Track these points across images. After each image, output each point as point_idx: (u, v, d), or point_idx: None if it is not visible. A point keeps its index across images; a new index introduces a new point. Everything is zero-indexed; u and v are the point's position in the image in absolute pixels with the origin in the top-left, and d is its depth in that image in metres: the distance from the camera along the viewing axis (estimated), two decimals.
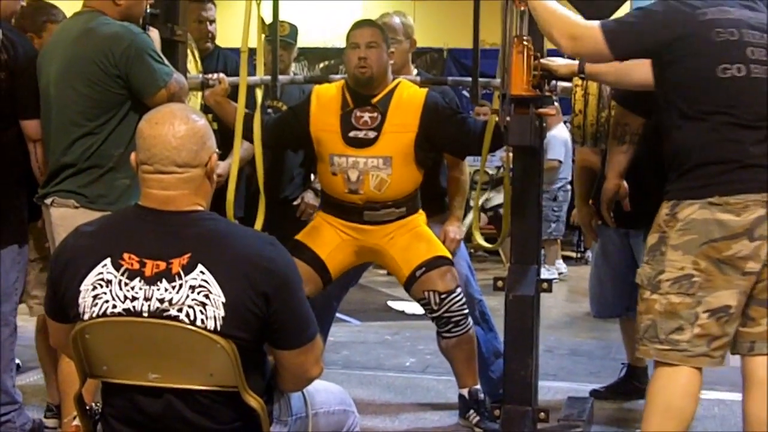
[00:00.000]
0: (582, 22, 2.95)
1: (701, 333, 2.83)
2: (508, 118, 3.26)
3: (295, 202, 4.52)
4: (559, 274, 8.30)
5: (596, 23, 2.93)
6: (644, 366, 4.22)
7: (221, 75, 3.87)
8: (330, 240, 3.85)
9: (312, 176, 4.62)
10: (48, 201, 3.38)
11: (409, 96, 3.77)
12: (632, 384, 4.24)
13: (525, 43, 3.12)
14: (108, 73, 3.29)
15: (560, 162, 8.16)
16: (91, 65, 3.29)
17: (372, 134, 3.73)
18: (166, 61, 3.39)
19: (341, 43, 4.02)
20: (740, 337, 2.92)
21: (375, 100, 3.75)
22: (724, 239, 2.80)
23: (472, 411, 3.85)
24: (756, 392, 2.91)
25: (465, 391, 3.87)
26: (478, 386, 3.88)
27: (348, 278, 4.16)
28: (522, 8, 3.15)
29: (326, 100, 3.82)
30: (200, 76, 3.91)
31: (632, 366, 4.29)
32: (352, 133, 3.74)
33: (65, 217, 3.29)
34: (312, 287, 3.80)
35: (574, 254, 9.51)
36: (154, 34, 3.50)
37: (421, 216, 3.88)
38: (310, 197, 4.54)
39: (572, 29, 2.95)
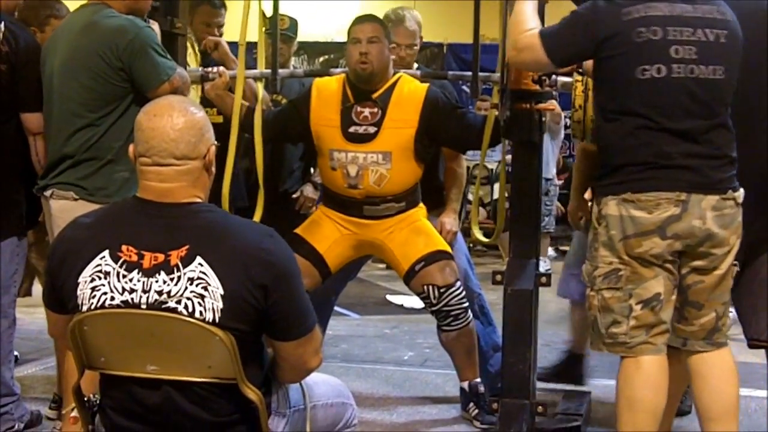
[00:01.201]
0: (528, 32, 2.93)
1: (637, 324, 2.89)
2: (507, 113, 3.26)
3: (294, 195, 4.53)
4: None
5: (536, 30, 2.92)
6: (582, 354, 4.31)
7: (221, 68, 3.87)
8: (329, 234, 3.85)
9: (312, 169, 4.62)
10: (47, 193, 3.39)
11: (410, 91, 3.77)
12: (571, 369, 4.29)
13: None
14: (111, 66, 3.29)
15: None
16: (95, 57, 3.30)
17: (372, 129, 3.72)
18: (169, 56, 3.39)
19: (341, 38, 4.04)
20: (675, 332, 2.98)
21: (376, 95, 3.75)
22: (636, 236, 2.84)
23: (472, 404, 3.87)
24: (698, 382, 2.98)
25: (465, 384, 3.89)
26: (479, 379, 3.89)
27: (347, 272, 4.16)
28: None
29: (327, 94, 3.81)
30: (200, 69, 3.92)
31: (571, 352, 4.35)
32: (352, 129, 3.74)
33: (65, 210, 3.29)
34: (310, 281, 3.80)
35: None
36: (154, 26, 3.50)
37: (421, 210, 3.88)
38: (309, 191, 4.54)
39: (518, 39, 2.95)
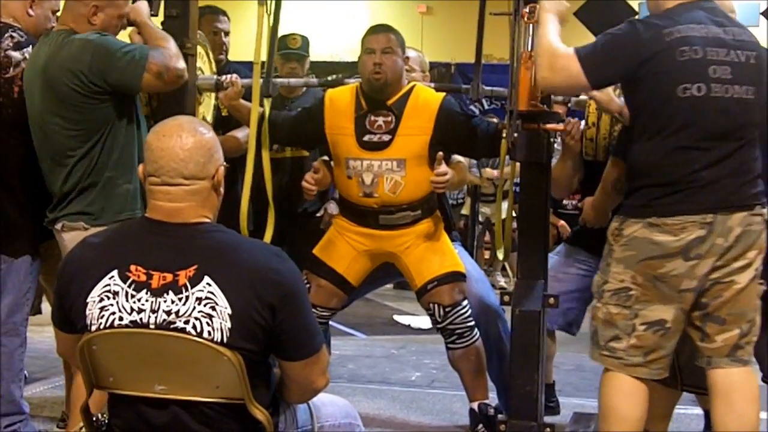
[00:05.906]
0: (562, 52, 2.92)
1: (637, 344, 2.92)
2: (515, 134, 3.27)
3: (317, 214, 4.52)
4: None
5: (572, 51, 2.92)
6: (551, 383, 4.27)
7: (234, 76, 3.88)
8: (345, 253, 3.87)
9: (333, 187, 4.61)
10: (58, 226, 3.39)
11: (425, 99, 3.78)
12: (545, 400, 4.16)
13: (533, 58, 3.13)
14: (88, 91, 3.26)
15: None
16: (67, 90, 3.27)
17: (386, 137, 3.74)
18: (130, 46, 3.33)
19: (349, 57, 4.04)
20: (698, 352, 2.99)
21: (390, 102, 3.76)
22: (660, 257, 2.85)
23: (481, 425, 3.86)
24: (720, 402, 2.96)
25: (475, 405, 3.87)
26: (488, 400, 3.88)
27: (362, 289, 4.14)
28: (530, 24, 3.16)
29: (340, 103, 3.83)
30: (214, 77, 3.93)
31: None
32: (366, 137, 3.75)
33: (77, 240, 3.28)
34: (337, 300, 3.90)
35: None
36: (142, 4, 3.48)
37: (439, 222, 3.88)
38: (333, 208, 4.51)
39: (553, 61, 2.93)
